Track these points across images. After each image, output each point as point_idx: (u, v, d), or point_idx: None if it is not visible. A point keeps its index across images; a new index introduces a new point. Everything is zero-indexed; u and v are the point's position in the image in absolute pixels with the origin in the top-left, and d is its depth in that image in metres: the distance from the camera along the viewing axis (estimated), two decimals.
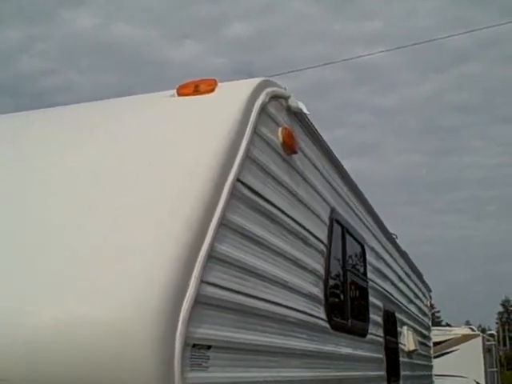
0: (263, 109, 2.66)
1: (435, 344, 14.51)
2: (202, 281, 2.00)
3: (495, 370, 21.37)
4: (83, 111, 3.00)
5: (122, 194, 2.15)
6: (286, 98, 3.00)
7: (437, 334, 17.69)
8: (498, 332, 48.20)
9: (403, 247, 6.84)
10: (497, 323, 59.22)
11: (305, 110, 3.13)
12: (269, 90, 2.77)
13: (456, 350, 19.25)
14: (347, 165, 4.07)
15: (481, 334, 20.23)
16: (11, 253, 2.02)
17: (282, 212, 2.81)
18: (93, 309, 1.77)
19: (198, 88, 2.75)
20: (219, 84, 2.75)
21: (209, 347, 2.03)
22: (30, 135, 2.79)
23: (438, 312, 49.11)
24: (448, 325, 29.59)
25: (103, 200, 2.16)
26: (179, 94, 2.76)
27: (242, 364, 2.27)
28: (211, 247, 2.07)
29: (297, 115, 3.13)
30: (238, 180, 2.35)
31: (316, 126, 3.41)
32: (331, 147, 3.72)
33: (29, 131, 2.83)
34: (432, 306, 8.82)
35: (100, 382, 1.73)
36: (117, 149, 2.45)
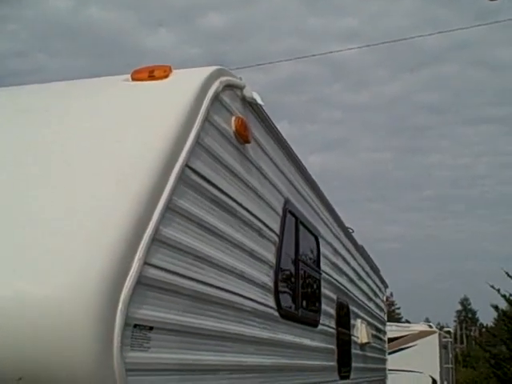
0: (216, 97, 2.69)
1: (393, 339, 14.81)
2: (146, 262, 2.02)
3: (451, 366, 21.91)
4: (37, 92, 2.98)
5: (68, 173, 2.16)
6: (241, 88, 3.04)
7: (395, 330, 18.05)
8: (455, 330, 49.32)
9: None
10: (455, 321, 60.63)
11: (259, 101, 3.18)
12: (223, 78, 2.80)
13: (413, 346, 19.67)
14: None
15: (438, 331, 20.69)
16: None
17: (234, 200, 2.85)
18: (31, 286, 1.78)
19: (152, 73, 2.77)
20: (174, 71, 2.77)
21: (151, 328, 2.06)
22: None
23: (398, 309, 49.98)
24: (407, 321, 30.14)
25: (49, 178, 2.16)
26: (133, 79, 2.77)
27: (186, 347, 2.30)
28: (156, 230, 2.10)
29: (252, 105, 3.17)
30: (187, 166, 2.37)
31: (273, 118, 3.46)
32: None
33: None
34: (389, 301, 9.00)
35: (37, 360, 1.73)
36: (66, 130, 2.44)
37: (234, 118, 2.90)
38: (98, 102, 2.66)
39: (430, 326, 21.24)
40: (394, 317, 38.16)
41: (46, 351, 1.73)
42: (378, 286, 8.25)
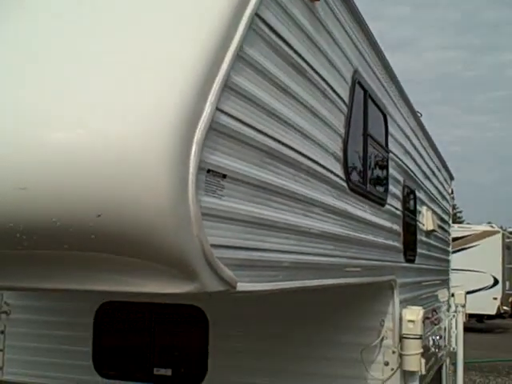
0: None
1: (455, 239, 14.69)
2: (218, 108, 1.95)
3: None
4: None
5: (139, 22, 2.06)
6: None
7: (457, 230, 17.90)
8: None
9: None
10: None
11: None
12: None
13: (476, 246, 19.56)
14: None
15: (501, 231, 20.40)
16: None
17: (303, 60, 2.71)
18: (107, 124, 1.74)
19: None
20: None
21: (224, 176, 2.02)
22: None
23: (460, 212, 49.35)
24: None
25: (119, 23, 2.07)
26: None
27: (256, 201, 2.27)
28: (227, 76, 2.01)
29: None
30: (256, 14, 2.24)
31: None
32: None
33: None
34: (453, 193, 8.79)
35: (114, 199, 1.73)
36: None
37: None
38: None
39: (493, 227, 20.92)
40: (455, 220, 37.80)
41: (123, 190, 1.72)
42: (443, 176, 8.04)
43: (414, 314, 4.36)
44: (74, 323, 4.74)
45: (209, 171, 1.93)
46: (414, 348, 4.26)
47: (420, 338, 4.31)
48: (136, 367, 4.65)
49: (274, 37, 2.41)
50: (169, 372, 4.57)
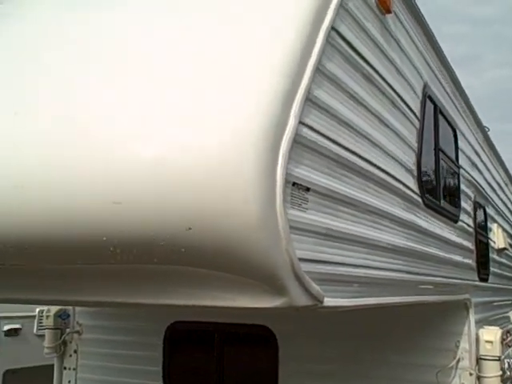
0: None
1: None
2: (300, 121, 1.95)
3: None
4: None
5: (222, 28, 2.09)
6: None
7: None
8: None
9: None
10: None
11: None
12: None
13: None
14: None
15: None
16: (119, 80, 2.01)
17: (376, 72, 2.69)
18: (199, 140, 1.76)
19: None
20: None
21: (308, 189, 2.01)
22: None
23: None
24: None
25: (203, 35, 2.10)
26: None
27: (337, 214, 2.24)
28: (308, 90, 2.01)
29: None
30: (332, 28, 2.24)
31: None
32: None
33: None
34: None
35: (204, 211, 1.74)
36: None
37: None
38: None
39: None
40: None
41: (213, 203, 1.73)
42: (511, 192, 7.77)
43: (492, 334, 4.18)
44: (143, 343, 4.79)
45: (294, 184, 1.92)
46: (493, 370, 4.07)
47: (499, 359, 4.13)
48: None
49: (348, 50, 2.40)
50: None
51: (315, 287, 1.94)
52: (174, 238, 1.74)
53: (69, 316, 4.93)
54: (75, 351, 4.96)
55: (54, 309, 4.94)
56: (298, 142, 1.93)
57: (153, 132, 1.78)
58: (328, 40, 2.19)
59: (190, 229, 1.73)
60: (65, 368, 4.95)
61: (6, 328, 5.74)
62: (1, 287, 2.27)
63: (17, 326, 5.86)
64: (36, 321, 5.60)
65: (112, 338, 4.88)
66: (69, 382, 4.96)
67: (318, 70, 2.10)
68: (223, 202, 1.72)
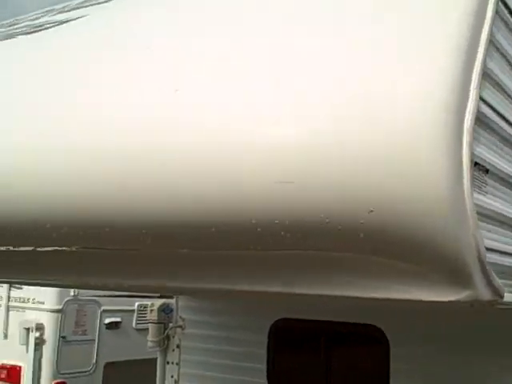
0: None
1: None
2: (480, 97, 1.78)
3: None
4: None
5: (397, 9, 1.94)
6: None
7: None
8: None
9: None
10: None
11: None
12: None
13: None
14: None
15: None
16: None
17: None
18: (380, 119, 1.62)
19: None
20: None
21: (487, 171, 1.83)
22: None
23: None
24: None
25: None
26: None
27: None
28: (484, 63, 1.83)
29: None
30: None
31: None
32: None
33: None
34: None
35: (387, 194, 1.60)
36: None
37: None
38: None
39: None
40: None
41: (396, 185, 1.59)
42: None
43: None
44: (247, 340, 4.71)
45: (476, 164, 1.75)
46: None
47: None
48: None
49: None
50: None
51: (497, 280, 1.76)
52: (352, 222, 1.60)
53: (172, 310, 4.92)
54: (178, 346, 4.94)
55: (158, 303, 4.94)
56: (478, 118, 1.76)
57: (336, 108, 1.65)
58: (497, 11, 2.01)
59: (371, 211, 1.59)
60: (168, 362, 4.94)
61: (107, 321, 5.83)
62: (134, 273, 2.20)
63: (117, 319, 5.94)
64: (135, 315, 5.65)
65: (215, 334, 4.83)
66: (172, 376, 4.94)
67: (491, 42, 1.92)
68: (409, 182, 1.57)
